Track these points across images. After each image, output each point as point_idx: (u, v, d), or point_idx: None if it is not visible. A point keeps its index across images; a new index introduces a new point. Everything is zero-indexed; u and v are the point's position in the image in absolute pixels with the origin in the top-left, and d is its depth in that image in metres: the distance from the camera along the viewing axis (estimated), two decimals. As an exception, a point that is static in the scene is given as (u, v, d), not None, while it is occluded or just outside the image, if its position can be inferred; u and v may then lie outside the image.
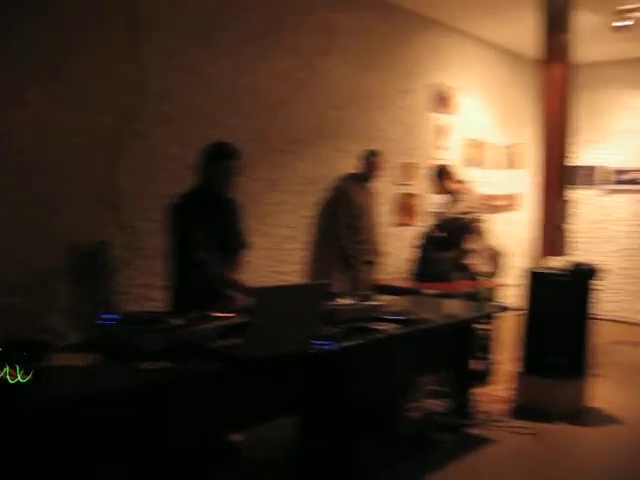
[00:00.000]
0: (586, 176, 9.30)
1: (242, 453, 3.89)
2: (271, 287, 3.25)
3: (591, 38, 7.41)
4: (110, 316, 3.33)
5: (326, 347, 3.28)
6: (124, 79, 4.60)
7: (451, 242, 5.95)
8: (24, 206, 4.22)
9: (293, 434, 3.78)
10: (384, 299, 4.54)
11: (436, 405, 4.92)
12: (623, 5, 6.60)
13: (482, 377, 5.72)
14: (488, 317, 5.57)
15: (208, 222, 3.90)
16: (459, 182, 6.18)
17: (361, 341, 3.51)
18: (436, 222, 6.16)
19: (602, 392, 5.57)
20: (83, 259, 4.36)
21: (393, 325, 3.81)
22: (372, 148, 6.28)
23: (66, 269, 4.34)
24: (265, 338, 3.00)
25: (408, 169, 7.20)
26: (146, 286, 4.71)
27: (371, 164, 6.16)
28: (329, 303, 3.86)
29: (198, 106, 5.11)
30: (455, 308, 4.27)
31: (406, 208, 7.19)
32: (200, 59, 5.09)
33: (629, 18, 6.78)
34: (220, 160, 3.88)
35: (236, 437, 3.90)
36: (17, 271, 4.21)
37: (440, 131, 7.66)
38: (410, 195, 7.25)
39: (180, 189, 4.07)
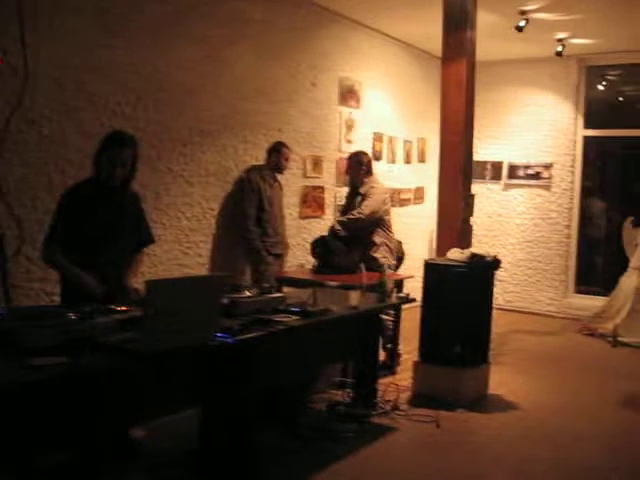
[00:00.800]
0: (485, 171, 9.60)
1: (142, 448, 3.84)
2: (165, 280, 3.20)
3: (492, 37, 7.63)
4: (2, 311, 3.23)
5: (225, 339, 3.26)
6: (16, 64, 4.42)
7: (356, 235, 6.01)
8: None
9: (194, 427, 3.76)
10: (287, 291, 4.55)
11: (340, 395, 4.99)
12: (524, 6, 6.83)
13: (387, 367, 5.83)
14: (392, 308, 5.67)
15: (95, 215, 3.78)
16: (370, 174, 6.23)
17: (261, 333, 3.51)
18: (341, 218, 6.19)
19: (501, 379, 5.78)
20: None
21: (294, 317, 3.83)
22: (279, 141, 6.28)
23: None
24: (162, 331, 2.96)
25: (316, 162, 7.24)
26: (43, 280, 4.57)
27: (277, 156, 6.15)
28: (230, 295, 3.85)
29: (96, 95, 4.96)
30: (357, 299, 4.32)
31: (313, 200, 7.22)
32: (99, 45, 4.94)
33: (528, 19, 7.04)
34: (113, 148, 3.75)
35: (137, 432, 3.84)
36: None
37: (347, 125, 7.72)
38: (317, 188, 7.29)
39: (76, 180, 3.96)
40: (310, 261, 6.42)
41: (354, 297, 4.33)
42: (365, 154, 6.36)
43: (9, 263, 4.35)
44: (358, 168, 6.20)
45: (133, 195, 4.04)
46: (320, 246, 5.98)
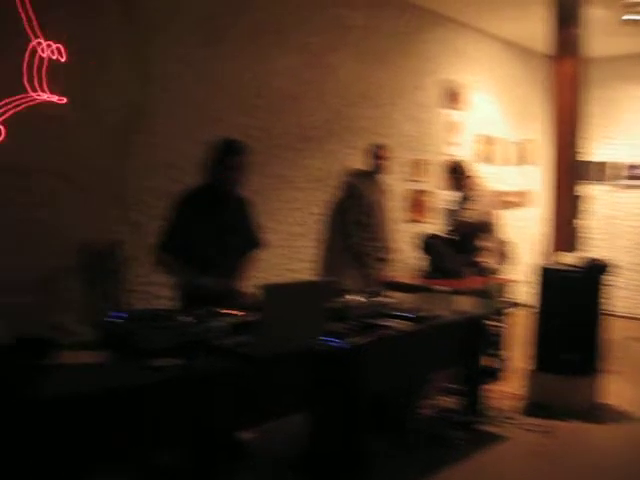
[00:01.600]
0: (598, 172, 9.24)
1: (252, 451, 3.89)
2: (279, 284, 3.24)
3: (602, 32, 7.36)
4: (119, 314, 3.34)
5: (335, 344, 3.26)
6: (130, 76, 4.59)
7: (462, 240, 5.92)
8: (30, 206, 4.22)
9: (303, 431, 3.77)
10: (394, 296, 4.52)
11: (448, 402, 4.90)
12: (633, -1, 6.56)
13: (494, 374, 5.69)
14: (499, 314, 5.54)
15: (211, 220, 3.88)
16: (472, 179, 6.14)
17: (370, 338, 3.49)
18: (447, 221, 6.12)
19: (614, 389, 5.54)
20: (93, 257, 4.37)
21: (403, 322, 3.80)
22: (378, 143, 6.25)
23: (76, 267, 4.35)
24: (274, 335, 2.99)
25: (419, 165, 7.18)
26: (155, 284, 4.70)
27: (375, 158, 6.14)
28: (339, 300, 3.85)
29: (204, 103, 5.10)
30: (466, 304, 4.24)
31: (417, 204, 7.16)
32: (205, 56, 5.07)
33: (638, 12, 6.75)
34: (227, 156, 3.85)
35: (246, 435, 3.89)
36: (27, 270, 4.21)
37: (451, 127, 7.62)
38: (421, 191, 7.23)
39: (186, 186, 4.06)
40: (413, 266, 6.36)
41: (462, 302, 4.25)
42: (457, 163, 6.26)
43: (125, 268, 4.51)
44: (455, 177, 6.12)
45: (243, 200, 4.11)
46: (429, 250, 5.91)
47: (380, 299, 4.10)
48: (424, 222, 7.21)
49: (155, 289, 4.70)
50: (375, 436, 4.14)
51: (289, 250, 5.81)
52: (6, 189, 4.11)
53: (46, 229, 4.29)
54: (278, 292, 3.06)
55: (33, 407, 2.32)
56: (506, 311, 5.43)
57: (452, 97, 7.62)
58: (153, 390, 2.71)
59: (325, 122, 6.07)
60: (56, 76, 4.23)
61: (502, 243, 6.17)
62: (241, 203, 4.09)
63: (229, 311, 3.47)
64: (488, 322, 5.23)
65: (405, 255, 6.85)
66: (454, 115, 7.65)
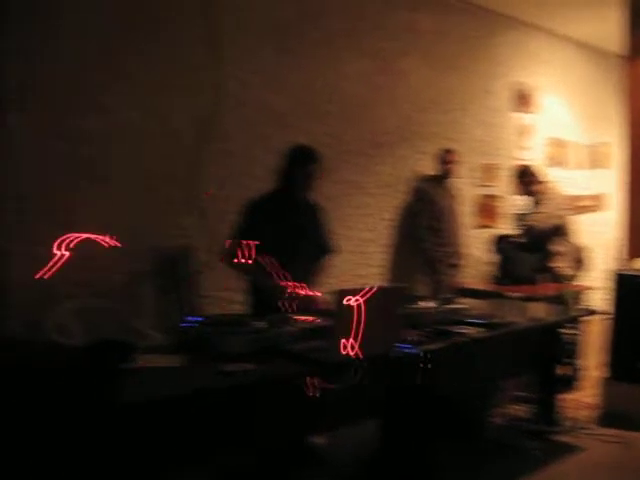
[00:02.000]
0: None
1: (323, 456, 3.90)
2: (351, 289, 3.23)
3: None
4: (194, 318, 3.40)
5: (407, 350, 3.25)
6: (203, 84, 4.67)
7: (535, 245, 5.82)
8: (106, 210, 4.33)
9: (375, 437, 3.76)
10: (466, 302, 4.47)
11: (521, 411, 4.82)
12: None
13: (568, 382, 5.57)
14: (574, 321, 5.41)
15: (283, 226, 3.92)
16: (543, 183, 6.03)
17: (443, 345, 3.47)
18: (519, 225, 6.03)
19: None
20: (167, 263, 4.46)
21: (476, 328, 3.75)
22: (446, 148, 6.21)
23: (151, 273, 4.45)
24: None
25: (490, 170, 7.09)
26: (228, 289, 4.77)
27: (444, 163, 6.09)
28: (411, 306, 3.83)
29: (276, 110, 5.16)
30: (540, 311, 4.17)
31: (488, 209, 7.07)
32: (277, 64, 5.14)
33: None
34: (303, 163, 3.89)
35: (318, 439, 3.91)
36: (103, 274, 4.33)
37: (522, 131, 7.51)
38: (492, 196, 7.13)
39: (259, 193, 4.11)
40: (485, 271, 6.29)
41: (536, 309, 4.18)
42: (528, 167, 6.15)
43: (199, 273, 4.59)
44: (526, 182, 6.03)
45: (315, 206, 4.14)
46: (500, 256, 5.83)
47: (452, 305, 4.06)
48: (495, 227, 7.11)
49: (228, 294, 4.76)
50: (447, 444, 4.10)
51: (359, 256, 5.81)
52: (87, 194, 4.24)
53: (123, 234, 4.40)
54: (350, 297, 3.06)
55: (114, 410, 2.38)
56: (581, 318, 5.31)
57: (523, 100, 7.51)
58: (227, 394, 2.75)
59: (396, 127, 6.06)
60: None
61: (577, 248, 6.04)
62: (313, 209, 4.13)
63: (302, 316, 3.49)
64: (563, 329, 5.12)
65: (476, 261, 6.77)
66: (525, 118, 7.53)
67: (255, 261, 3.85)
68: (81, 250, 4.18)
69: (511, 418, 4.75)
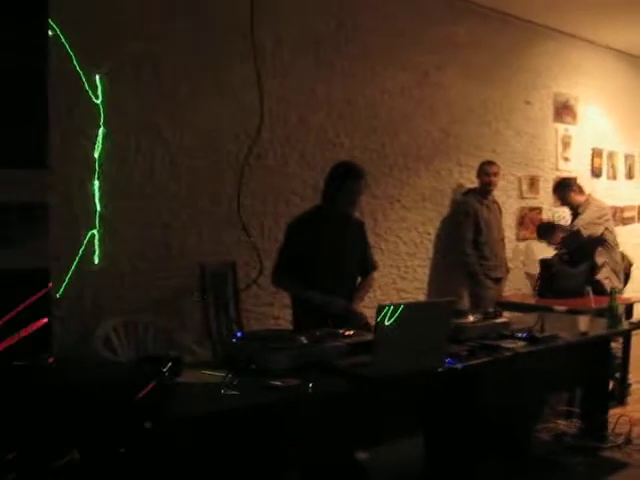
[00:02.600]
0: None
1: (368, 471, 3.88)
2: (393, 304, 3.23)
3: None
4: (238, 334, 3.42)
5: (453, 365, 3.23)
6: (246, 102, 4.72)
7: (579, 257, 5.74)
8: (153, 227, 4.41)
9: (419, 453, 3.74)
10: (511, 316, 4.43)
11: (567, 426, 4.75)
12: None
13: (616, 397, 5.47)
14: (622, 334, 5.33)
15: (328, 242, 3.93)
16: (584, 194, 5.97)
17: (488, 359, 3.44)
18: (562, 237, 5.96)
19: None
20: (212, 279, 4.51)
21: (521, 343, 3.71)
22: (487, 160, 6.17)
23: (195, 288, 4.50)
24: (392, 356, 2.99)
25: (532, 182, 7.03)
26: (270, 305, 4.80)
27: (484, 175, 6.06)
28: (455, 320, 3.80)
29: (315, 126, 5.19)
30: (586, 325, 4.10)
31: (531, 222, 7.00)
32: (317, 80, 5.18)
33: None
34: (348, 180, 3.89)
35: (362, 455, 3.89)
36: (148, 290, 4.39)
37: (564, 142, 7.43)
38: (535, 208, 7.06)
39: (301, 209, 4.13)
40: (528, 285, 6.24)
41: (583, 322, 4.11)
42: (569, 178, 6.09)
43: (243, 289, 4.63)
44: (567, 193, 5.97)
45: (359, 223, 4.15)
46: (544, 269, 5.77)
47: (496, 319, 4.02)
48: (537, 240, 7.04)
49: (271, 310, 4.80)
50: (491, 461, 4.05)
51: (399, 270, 5.80)
52: (133, 212, 4.31)
53: (168, 250, 4.47)
54: (394, 312, 3.05)
55: (166, 425, 2.40)
56: (629, 332, 5.22)
57: (564, 111, 7.43)
58: (273, 410, 2.76)
59: (436, 141, 6.05)
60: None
61: (621, 260, 5.95)
62: (357, 226, 4.13)
63: (346, 332, 3.49)
64: (610, 343, 5.04)
65: (519, 274, 6.71)
66: (566, 129, 7.45)
67: (300, 278, 3.87)
68: (127, 265, 4.28)
69: (557, 433, 4.68)
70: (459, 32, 6.20)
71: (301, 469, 3.24)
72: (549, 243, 6.07)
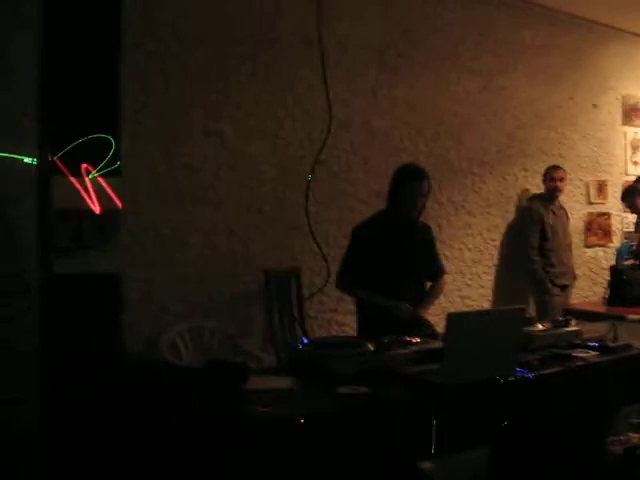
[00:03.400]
0: None
1: (432, 481, 3.82)
2: (465, 312, 3.19)
3: None
4: (304, 340, 3.41)
5: (525, 374, 3.16)
6: (310, 108, 4.75)
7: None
8: (217, 234, 4.46)
9: (486, 464, 3.67)
10: (581, 325, 4.32)
11: (638, 439, 4.60)
12: None
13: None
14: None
15: (394, 247, 3.89)
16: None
17: (559, 369, 3.35)
18: (632, 243, 5.80)
19: None
20: (276, 285, 4.52)
21: (593, 352, 3.61)
22: (553, 165, 6.05)
23: (261, 294, 4.52)
24: (461, 364, 2.94)
25: (601, 186, 6.86)
26: (335, 311, 4.79)
27: (550, 180, 5.94)
28: (524, 328, 3.72)
29: (379, 132, 5.17)
30: (660, 334, 3.97)
31: (599, 228, 6.83)
32: (380, 85, 5.16)
33: None
34: (409, 182, 3.83)
35: (427, 465, 3.84)
36: (213, 296, 4.44)
37: (633, 145, 7.23)
38: (603, 214, 6.89)
39: (365, 215, 4.11)
40: (597, 292, 6.08)
41: (657, 332, 3.98)
42: (633, 186, 5.92)
43: (308, 295, 4.64)
44: (633, 202, 5.80)
45: (425, 227, 4.10)
46: (614, 275, 5.61)
47: (566, 328, 3.92)
48: (606, 246, 6.87)
49: (337, 317, 4.78)
50: (561, 473, 3.95)
51: (464, 277, 5.73)
52: (199, 219, 4.35)
53: (234, 257, 4.50)
54: (464, 320, 3.01)
55: (237, 431, 2.41)
56: None
57: (632, 113, 7.24)
58: (341, 417, 2.74)
59: (501, 145, 5.97)
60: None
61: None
62: (424, 230, 4.08)
63: (413, 339, 3.45)
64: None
65: (588, 281, 6.55)
66: (635, 132, 7.25)
67: (365, 283, 3.84)
68: (193, 271, 4.32)
69: (629, 447, 4.53)
70: (525, 35, 6.11)
71: (364, 476, 3.22)
72: (632, 208, 5.88)
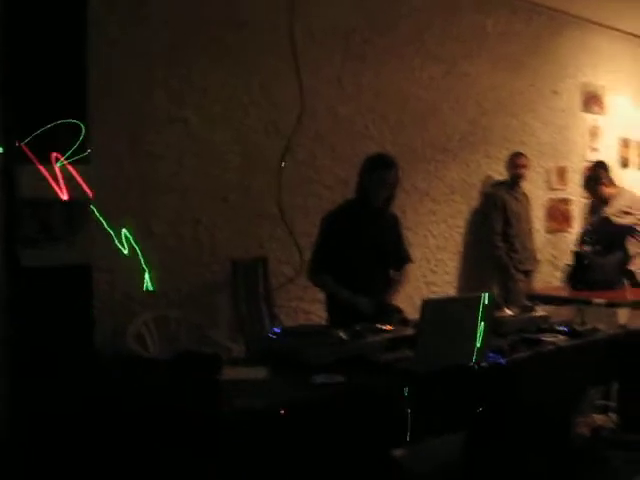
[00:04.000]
0: None
1: (404, 469, 3.83)
2: (438, 299, 3.19)
3: None
4: (276, 330, 3.38)
5: (496, 360, 3.18)
6: (277, 96, 4.69)
7: (612, 246, 5.65)
8: (182, 223, 4.38)
9: (459, 449, 3.69)
10: (546, 309, 4.36)
11: (607, 421, 4.68)
12: None
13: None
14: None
15: (362, 236, 3.88)
16: (616, 187, 5.86)
17: (530, 353, 3.39)
18: (592, 226, 5.88)
19: None
20: (244, 274, 4.47)
21: (562, 337, 3.66)
22: (515, 152, 6.10)
23: (228, 284, 4.47)
24: (435, 351, 2.94)
25: (561, 173, 6.95)
26: (301, 299, 4.76)
27: (512, 167, 6.00)
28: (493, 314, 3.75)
29: (345, 120, 5.14)
30: (625, 318, 4.03)
31: (560, 213, 6.92)
32: (345, 72, 5.12)
33: None
34: (378, 170, 3.81)
35: (398, 452, 3.84)
36: (179, 285, 4.37)
37: (592, 132, 7.33)
38: (564, 200, 6.98)
39: (332, 203, 4.08)
40: (559, 277, 6.16)
41: (622, 315, 4.05)
42: (598, 168, 5.97)
43: (274, 284, 4.60)
44: (596, 183, 5.86)
45: (393, 216, 4.09)
46: (576, 259, 5.68)
47: (533, 313, 3.96)
48: (567, 231, 6.96)
49: (304, 305, 4.75)
50: (532, 456, 3.99)
51: (429, 263, 5.74)
52: (163, 207, 4.28)
53: (200, 245, 4.44)
54: (436, 307, 3.01)
55: (216, 423, 2.37)
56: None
57: (592, 101, 7.33)
58: (319, 407, 2.72)
59: (464, 132, 5.99)
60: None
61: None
62: (391, 219, 4.07)
63: (383, 326, 3.44)
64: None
65: (549, 266, 6.63)
66: (594, 119, 7.35)
67: (334, 273, 3.82)
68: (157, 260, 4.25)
69: (595, 427, 4.61)
70: (487, 22, 6.13)
71: (341, 465, 3.21)
72: (595, 191, 5.94)
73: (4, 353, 2.66)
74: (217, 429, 2.37)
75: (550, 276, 6.58)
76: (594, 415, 4.79)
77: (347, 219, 3.85)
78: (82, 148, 2.62)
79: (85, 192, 2.57)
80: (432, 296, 5.08)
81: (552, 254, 6.70)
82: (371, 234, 3.87)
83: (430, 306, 2.94)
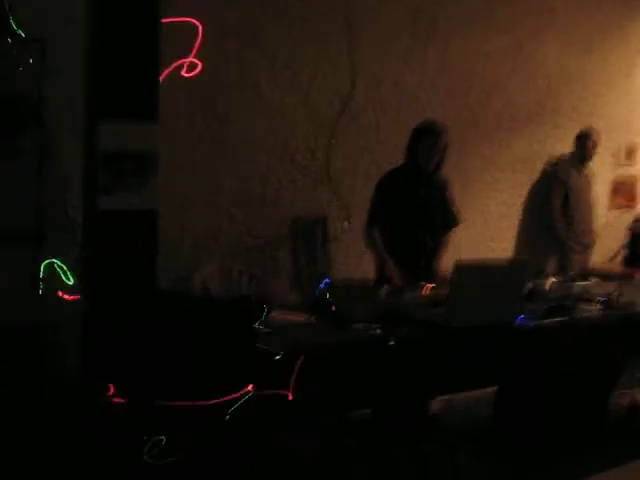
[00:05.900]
0: None
1: (439, 420, 4.01)
2: (470, 262, 3.37)
3: None
4: (325, 282, 3.64)
5: (526, 323, 3.35)
6: (341, 64, 4.89)
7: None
8: (249, 179, 4.68)
9: (491, 406, 3.87)
10: (592, 282, 4.44)
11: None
12: None
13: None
14: None
15: (409, 199, 4.08)
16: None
17: (561, 320, 3.53)
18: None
19: None
20: (304, 232, 4.76)
21: (597, 307, 3.78)
22: (586, 128, 6.09)
23: (288, 239, 4.76)
24: (467, 309, 3.15)
25: (630, 149, 6.88)
26: (360, 258, 4.99)
27: (583, 143, 6.01)
28: (535, 281, 3.89)
29: (409, 90, 5.30)
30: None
31: (626, 190, 6.88)
32: (413, 44, 5.27)
33: None
34: (429, 136, 4.00)
35: (435, 404, 4.03)
36: (242, 238, 4.68)
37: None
38: (632, 176, 6.93)
39: (390, 169, 4.29)
40: (621, 254, 6.18)
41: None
42: None
43: (331, 242, 4.86)
44: None
45: (443, 180, 4.26)
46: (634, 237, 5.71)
47: (576, 283, 4.08)
48: (633, 208, 6.91)
49: (360, 264, 4.96)
50: (564, 423, 4.07)
51: (489, 230, 5.88)
52: (231, 169, 4.59)
53: (261, 204, 4.74)
54: (469, 269, 3.21)
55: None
56: None
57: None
58: (350, 349, 2.97)
59: (532, 104, 6.03)
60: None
61: None
62: (441, 183, 4.24)
63: (424, 285, 3.66)
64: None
65: (613, 243, 6.62)
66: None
67: (387, 236, 4.05)
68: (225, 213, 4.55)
69: (631, 401, 4.67)
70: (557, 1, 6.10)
71: (374, 412, 3.44)
72: None
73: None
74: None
75: (609, 252, 6.58)
76: (634, 389, 4.85)
77: (398, 183, 4.07)
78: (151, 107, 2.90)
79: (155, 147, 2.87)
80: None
81: (617, 230, 6.68)
82: (420, 198, 4.09)
83: (462, 268, 3.15)
